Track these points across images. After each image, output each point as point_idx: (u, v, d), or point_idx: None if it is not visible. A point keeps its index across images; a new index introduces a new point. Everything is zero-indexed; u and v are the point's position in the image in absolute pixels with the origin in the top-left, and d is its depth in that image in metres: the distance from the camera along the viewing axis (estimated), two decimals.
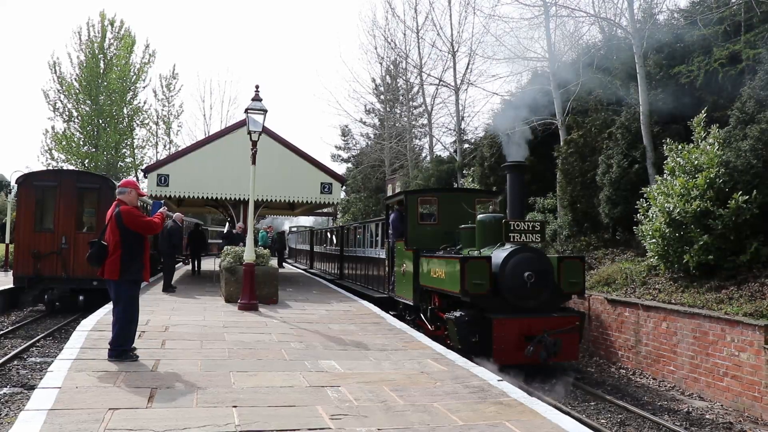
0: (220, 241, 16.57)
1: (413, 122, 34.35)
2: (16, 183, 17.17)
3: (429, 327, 11.45)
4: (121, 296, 6.68)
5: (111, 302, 7.01)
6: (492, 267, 9.70)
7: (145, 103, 42.55)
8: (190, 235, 21.32)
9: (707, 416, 8.41)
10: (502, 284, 9.61)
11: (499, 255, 9.85)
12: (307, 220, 42.75)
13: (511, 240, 9.94)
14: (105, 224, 6.82)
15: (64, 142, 36.01)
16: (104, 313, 10.11)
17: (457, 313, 9.58)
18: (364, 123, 39.45)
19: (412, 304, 12.25)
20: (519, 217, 10.38)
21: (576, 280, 10.17)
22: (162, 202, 17.06)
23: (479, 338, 9.41)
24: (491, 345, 9.23)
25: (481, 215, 11.45)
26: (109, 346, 6.74)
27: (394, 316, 12.23)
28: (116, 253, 6.60)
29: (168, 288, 14.30)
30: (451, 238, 12.24)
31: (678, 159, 11.30)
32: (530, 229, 10.04)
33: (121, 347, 6.67)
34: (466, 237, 11.48)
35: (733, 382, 8.76)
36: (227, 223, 24.92)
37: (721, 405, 8.86)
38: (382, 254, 14.99)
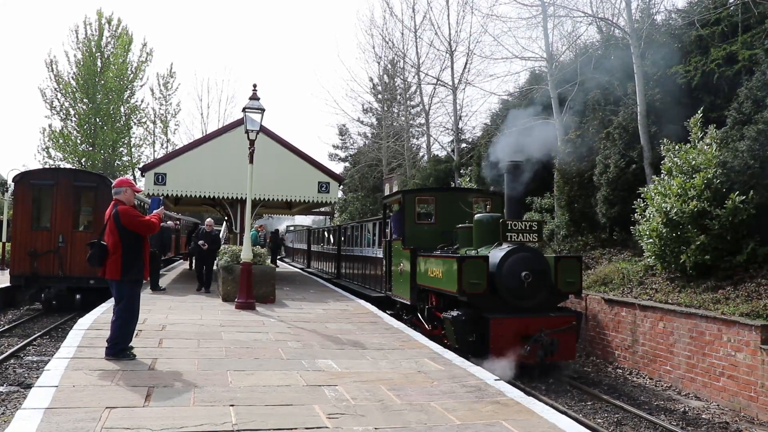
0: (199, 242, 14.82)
1: (411, 122, 34.35)
2: (13, 181, 17.12)
3: (426, 326, 11.46)
4: (123, 295, 6.71)
5: (110, 300, 7.02)
6: (489, 266, 9.72)
7: (142, 101, 42.78)
8: (190, 235, 21.35)
9: (703, 416, 8.43)
10: (499, 284, 9.62)
11: (496, 254, 9.86)
12: (305, 220, 42.72)
13: (509, 239, 9.95)
14: (104, 224, 6.82)
15: (61, 141, 36.02)
16: (101, 312, 10.10)
17: (455, 313, 9.60)
18: (362, 122, 39.44)
19: (409, 303, 12.26)
20: (516, 217, 10.39)
21: (573, 280, 10.20)
22: (161, 198, 16.91)
23: (476, 338, 9.42)
24: (488, 344, 9.23)
25: (478, 215, 11.45)
26: (106, 344, 6.74)
27: (391, 315, 12.22)
28: (117, 253, 6.61)
29: (155, 287, 14.24)
30: (449, 238, 12.25)
31: (675, 159, 11.33)
32: (527, 228, 10.05)
33: (119, 345, 6.67)
34: (464, 236, 11.51)
35: (730, 382, 8.78)
36: (224, 222, 24.93)
37: (718, 405, 8.89)
38: (380, 253, 14.99)
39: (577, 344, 10.38)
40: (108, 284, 6.88)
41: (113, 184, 7.11)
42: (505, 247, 9.90)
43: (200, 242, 14.68)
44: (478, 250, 10.59)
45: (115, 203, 6.78)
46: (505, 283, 9.59)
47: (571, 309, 10.98)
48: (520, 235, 9.96)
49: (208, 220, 15.45)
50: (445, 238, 12.36)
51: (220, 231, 17.22)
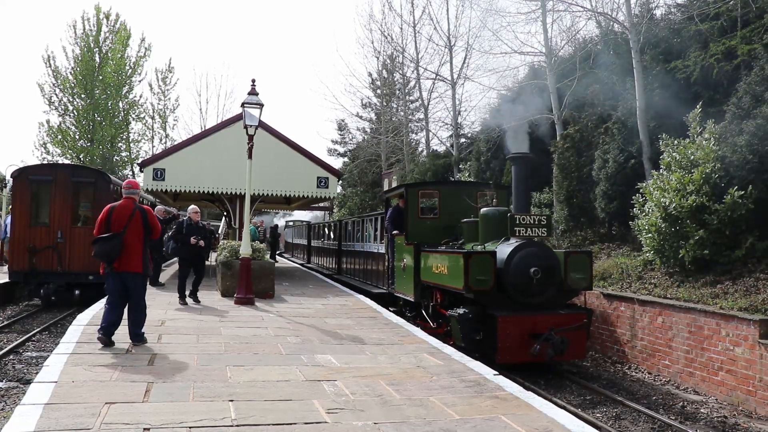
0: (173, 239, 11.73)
1: (410, 117, 34.26)
2: (11, 177, 17.08)
3: (431, 324, 11.16)
4: (138, 287, 7.40)
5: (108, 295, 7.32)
6: (496, 262, 9.44)
7: (140, 97, 42.25)
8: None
9: (702, 410, 8.45)
10: (507, 280, 9.34)
11: (503, 250, 9.58)
12: (304, 216, 42.62)
13: (516, 234, 9.62)
14: (126, 219, 7.19)
15: (59, 136, 35.94)
16: (100, 308, 10.07)
17: (461, 310, 9.34)
18: (361, 117, 39.33)
19: (412, 300, 11.94)
20: (524, 211, 10.03)
21: (583, 276, 9.87)
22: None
23: (483, 336, 9.22)
24: (495, 343, 8.99)
25: (484, 209, 11.08)
26: (101, 334, 7.14)
27: (394, 312, 12.08)
28: (140, 248, 7.28)
29: (156, 283, 14.20)
30: (453, 233, 12.02)
31: (674, 154, 11.33)
32: (536, 222, 9.69)
33: (143, 334, 7.44)
34: (469, 231, 11.20)
35: (728, 376, 8.80)
36: (223, 218, 24.91)
37: (716, 399, 8.91)
38: (381, 249, 14.84)
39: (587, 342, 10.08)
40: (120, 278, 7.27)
41: (130, 185, 7.59)
42: (513, 242, 9.59)
43: (192, 239, 11.21)
44: (485, 245, 10.31)
45: (134, 201, 7.42)
46: (513, 280, 9.31)
47: (581, 306, 10.65)
48: (529, 229, 9.61)
49: (192, 207, 11.86)
50: (449, 232, 12.10)
51: (206, 222, 15.97)
